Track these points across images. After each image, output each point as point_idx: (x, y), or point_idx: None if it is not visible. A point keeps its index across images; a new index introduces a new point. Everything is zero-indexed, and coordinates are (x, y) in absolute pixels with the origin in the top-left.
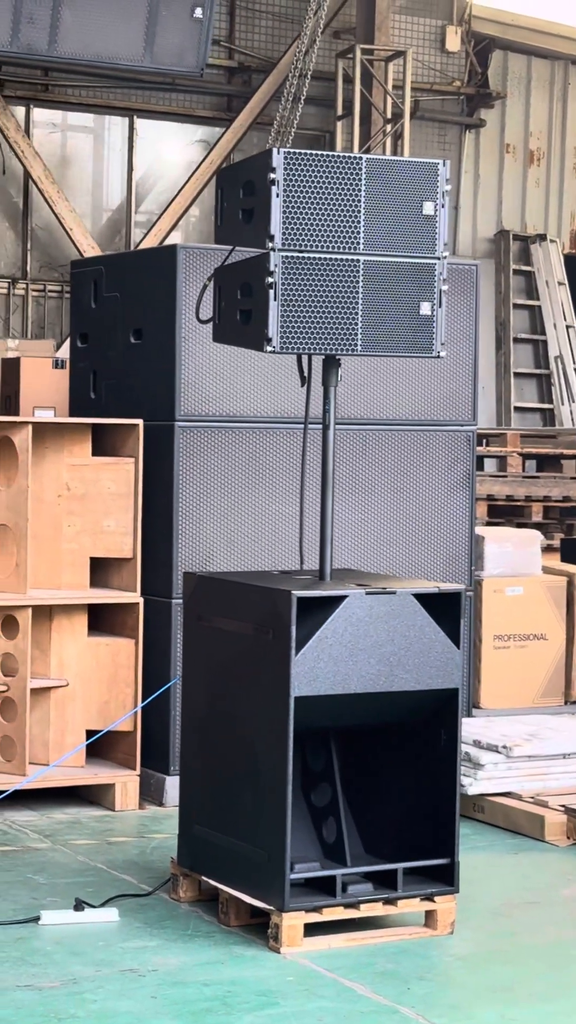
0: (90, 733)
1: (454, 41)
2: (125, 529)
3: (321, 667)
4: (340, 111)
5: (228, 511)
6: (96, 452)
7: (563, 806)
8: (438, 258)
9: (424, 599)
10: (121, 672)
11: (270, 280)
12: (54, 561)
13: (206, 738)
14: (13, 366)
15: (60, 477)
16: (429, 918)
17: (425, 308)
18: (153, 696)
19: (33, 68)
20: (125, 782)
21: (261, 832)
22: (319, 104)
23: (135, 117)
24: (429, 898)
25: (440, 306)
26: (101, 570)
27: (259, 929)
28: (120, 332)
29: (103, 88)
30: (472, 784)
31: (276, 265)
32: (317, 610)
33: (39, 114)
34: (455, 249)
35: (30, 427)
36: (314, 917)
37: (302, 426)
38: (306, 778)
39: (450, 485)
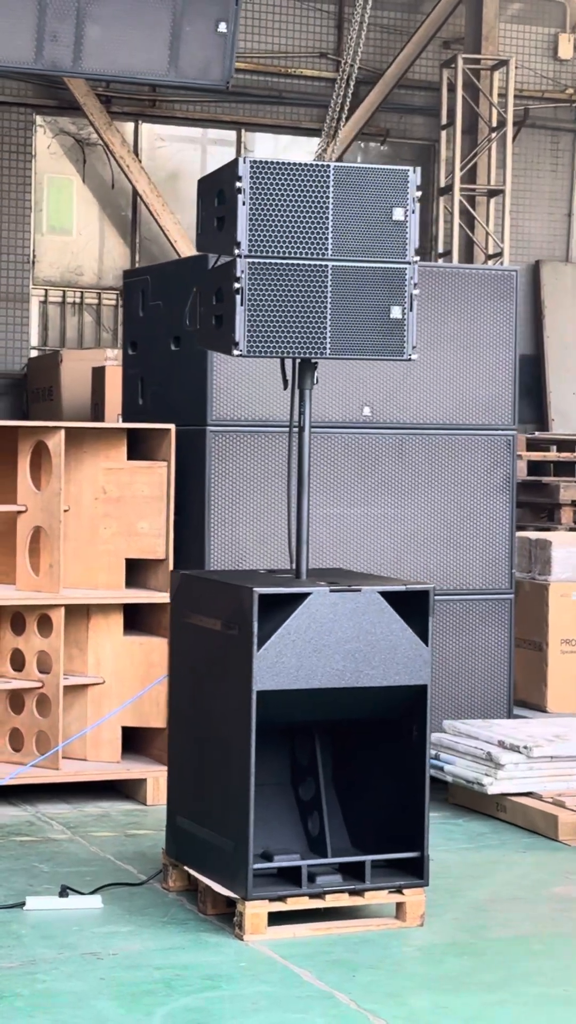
0: (125, 730)
1: (567, 48)
2: (158, 531)
3: (284, 662)
4: (445, 120)
5: (260, 513)
6: (135, 456)
7: None
8: (408, 263)
9: (392, 597)
10: (154, 670)
11: (237, 286)
12: (91, 562)
13: (188, 731)
14: (100, 375)
15: (97, 480)
16: (399, 910)
17: (396, 312)
18: (142, 693)
19: (141, 85)
20: (157, 777)
21: (229, 823)
22: (427, 114)
23: (243, 130)
24: (398, 890)
25: (411, 310)
26: (137, 571)
27: (232, 918)
28: (163, 340)
29: (210, 103)
30: (492, 784)
31: (243, 271)
32: (282, 607)
33: (148, 129)
34: (567, 256)
35: (63, 432)
36: (278, 906)
37: (330, 430)
38: (295, 773)
39: (490, 489)
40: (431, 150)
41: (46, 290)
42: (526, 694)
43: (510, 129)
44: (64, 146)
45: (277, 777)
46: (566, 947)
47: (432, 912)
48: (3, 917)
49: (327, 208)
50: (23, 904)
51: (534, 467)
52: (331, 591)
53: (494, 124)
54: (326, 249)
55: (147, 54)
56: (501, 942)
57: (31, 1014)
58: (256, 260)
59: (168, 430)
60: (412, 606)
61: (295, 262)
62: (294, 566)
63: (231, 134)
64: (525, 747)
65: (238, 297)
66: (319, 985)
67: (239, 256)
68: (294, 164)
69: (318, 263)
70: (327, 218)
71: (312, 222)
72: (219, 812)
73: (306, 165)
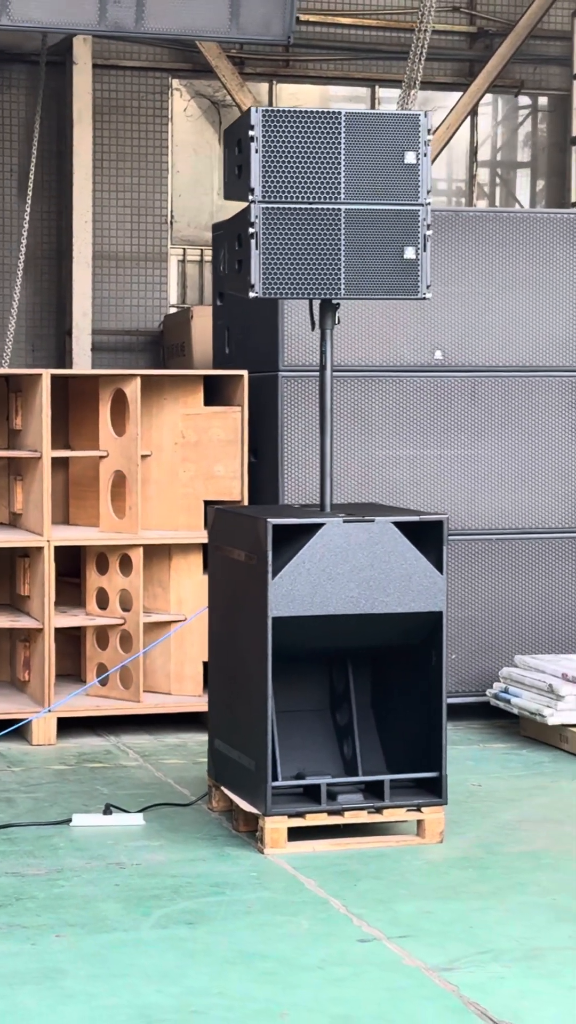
0: (206, 665)
1: None
2: (234, 474)
3: (299, 590)
4: None
5: (334, 456)
6: (215, 403)
7: None
8: (421, 204)
9: (407, 528)
10: None
11: (252, 230)
12: (171, 504)
13: (221, 659)
14: None
15: (176, 426)
16: (419, 828)
17: (409, 252)
18: (177, 627)
19: (274, 45)
20: None
21: (252, 743)
22: (562, 64)
23: (376, 87)
24: (416, 808)
25: (424, 250)
26: None
27: None
28: None
29: (343, 60)
30: (553, 715)
31: (257, 216)
32: (298, 537)
33: (283, 89)
34: None
35: (139, 379)
36: (297, 822)
37: (402, 374)
38: (333, 699)
39: (565, 429)
40: (567, 101)
41: (184, 249)
42: None
43: None
44: (201, 108)
45: (316, 704)
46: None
47: (457, 831)
48: (47, 832)
49: (339, 153)
50: (70, 821)
51: None
52: (344, 521)
53: None
54: (339, 193)
55: (208, 12)
56: (511, 857)
57: (38, 913)
58: (270, 205)
59: (241, 376)
60: (427, 536)
61: (308, 206)
62: (321, 502)
63: (365, 91)
64: None
65: (253, 241)
66: (318, 892)
67: (253, 202)
68: (306, 111)
69: (331, 207)
70: (339, 163)
71: (324, 167)
72: (245, 734)
73: (317, 112)
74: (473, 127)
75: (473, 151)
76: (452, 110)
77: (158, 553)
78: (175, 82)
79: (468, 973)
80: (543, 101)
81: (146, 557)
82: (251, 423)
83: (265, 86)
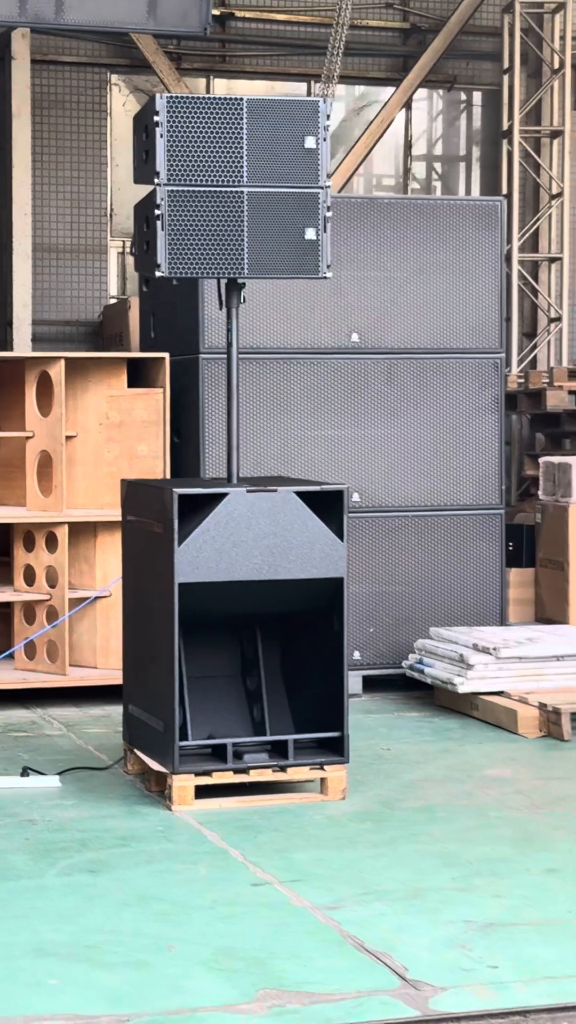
0: None
1: None
2: (156, 453)
3: (204, 557)
4: (506, 65)
5: (254, 436)
6: (139, 385)
7: (540, 703)
8: (321, 187)
9: (309, 497)
10: None
11: (158, 212)
12: (97, 483)
13: (134, 626)
14: None
15: (101, 407)
16: (323, 785)
17: (310, 233)
18: (95, 596)
19: (211, 41)
20: None
21: (161, 705)
22: (494, 60)
23: (312, 82)
24: (319, 767)
25: (325, 231)
26: None
27: None
28: None
29: (279, 56)
30: (463, 683)
31: (162, 199)
32: (204, 507)
33: (219, 85)
34: None
35: (63, 362)
36: (204, 780)
37: (320, 356)
38: (244, 665)
39: (479, 409)
40: (497, 95)
41: (123, 242)
42: (552, 612)
43: (568, 72)
44: (140, 102)
45: (228, 670)
46: (468, 815)
47: (360, 790)
48: None
49: (241, 138)
50: None
51: None
52: (248, 491)
53: (556, 67)
54: (241, 176)
55: (126, 5)
56: (408, 811)
57: None
58: (174, 188)
59: (163, 359)
60: (329, 506)
61: (212, 189)
62: (229, 475)
63: (302, 87)
64: (494, 648)
65: (159, 223)
66: (220, 844)
67: (159, 185)
68: (209, 98)
69: (234, 190)
70: (242, 148)
71: (228, 152)
72: (155, 696)
73: (220, 99)
74: (408, 121)
75: (408, 145)
76: (385, 105)
77: (84, 531)
78: (113, 77)
79: (351, 911)
80: (477, 96)
81: (72, 535)
82: (174, 404)
83: (202, 81)
